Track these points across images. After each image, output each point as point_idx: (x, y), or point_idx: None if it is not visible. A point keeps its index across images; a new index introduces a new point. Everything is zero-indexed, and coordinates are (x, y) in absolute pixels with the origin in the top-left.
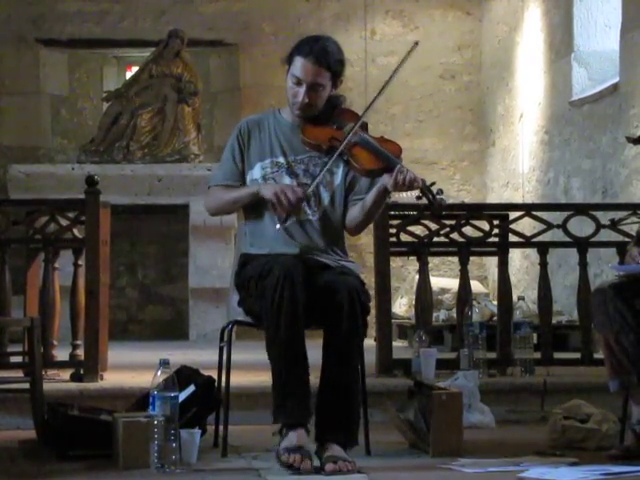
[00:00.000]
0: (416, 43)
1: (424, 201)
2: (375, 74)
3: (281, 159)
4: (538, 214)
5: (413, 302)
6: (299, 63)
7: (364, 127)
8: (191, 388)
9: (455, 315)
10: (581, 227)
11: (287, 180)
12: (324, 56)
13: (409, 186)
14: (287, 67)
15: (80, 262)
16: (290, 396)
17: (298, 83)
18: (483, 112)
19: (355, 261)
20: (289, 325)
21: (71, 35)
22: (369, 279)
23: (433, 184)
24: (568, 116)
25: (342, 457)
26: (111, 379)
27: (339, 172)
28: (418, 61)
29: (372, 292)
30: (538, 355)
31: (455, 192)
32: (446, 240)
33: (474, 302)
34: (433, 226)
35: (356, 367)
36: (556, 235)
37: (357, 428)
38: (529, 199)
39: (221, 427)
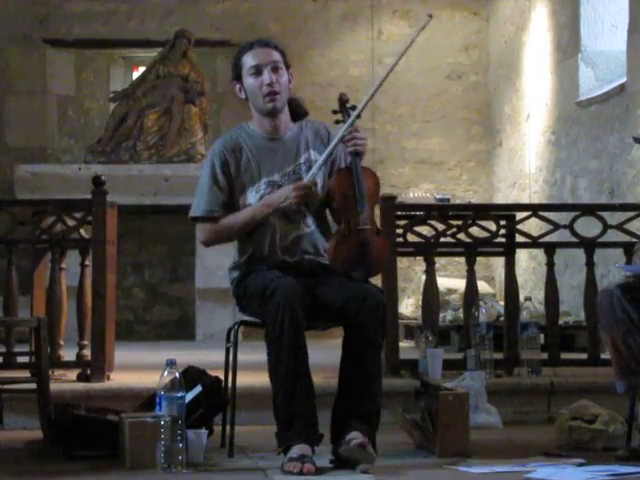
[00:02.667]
0: (430, 16)
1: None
2: (382, 74)
3: (273, 177)
4: (545, 214)
5: (420, 302)
6: (250, 56)
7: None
8: (198, 388)
9: (462, 315)
10: (588, 227)
11: None
12: (267, 41)
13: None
14: (238, 84)
15: (87, 262)
16: (294, 421)
17: (258, 72)
18: (490, 112)
19: None
20: (291, 356)
21: (78, 35)
22: (376, 279)
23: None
24: (575, 116)
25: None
26: (118, 379)
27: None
28: (425, 61)
29: None
30: (545, 356)
31: (462, 192)
32: (453, 240)
33: (481, 302)
34: (440, 226)
35: (380, 371)
36: (563, 235)
37: (375, 433)
38: (536, 199)
39: (228, 427)
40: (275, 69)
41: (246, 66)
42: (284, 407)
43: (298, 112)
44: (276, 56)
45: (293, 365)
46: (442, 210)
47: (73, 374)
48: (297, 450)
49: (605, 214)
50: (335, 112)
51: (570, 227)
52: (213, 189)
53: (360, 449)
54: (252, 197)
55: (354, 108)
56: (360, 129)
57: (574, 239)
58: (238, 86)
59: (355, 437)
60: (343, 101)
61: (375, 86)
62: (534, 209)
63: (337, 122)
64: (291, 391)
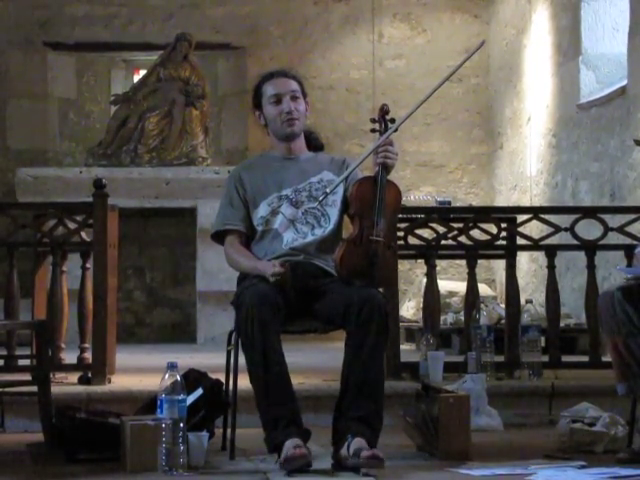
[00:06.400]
0: (482, 42)
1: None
2: (383, 77)
3: (284, 192)
4: (546, 217)
5: (421, 305)
6: (270, 85)
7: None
8: (199, 391)
9: (463, 318)
10: (589, 230)
11: (290, 210)
12: (286, 71)
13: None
14: (258, 111)
15: (88, 265)
16: (277, 422)
17: (278, 100)
18: (491, 115)
19: None
20: (261, 361)
21: (79, 38)
22: None
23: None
24: (576, 119)
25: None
26: (119, 382)
27: (339, 191)
28: (425, 64)
29: None
30: (546, 358)
31: (463, 195)
32: (454, 243)
33: (482, 305)
34: (441, 229)
35: (383, 374)
36: (564, 238)
37: (378, 436)
38: (537, 202)
39: (229, 430)
40: (294, 98)
41: (266, 95)
42: (264, 410)
43: (315, 144)
44: (294, 86)
45: (265, 370)
46: (443, 213)
47: (74, 377)
48: (290, 444)
49: (606, 217)
50: (373, 121)
51: (571, 230)
52: (227, 207)
53: (371, 461)
54: (264, 209)
55: (393, 121)
56: (394, 143)
57: (575, 242)
58: (258, 113)
59: (361, 446)
60: (384, 112)
61: (418, 103)
62: (535, 212)
63: (373, 131)
64: (267, 395)
